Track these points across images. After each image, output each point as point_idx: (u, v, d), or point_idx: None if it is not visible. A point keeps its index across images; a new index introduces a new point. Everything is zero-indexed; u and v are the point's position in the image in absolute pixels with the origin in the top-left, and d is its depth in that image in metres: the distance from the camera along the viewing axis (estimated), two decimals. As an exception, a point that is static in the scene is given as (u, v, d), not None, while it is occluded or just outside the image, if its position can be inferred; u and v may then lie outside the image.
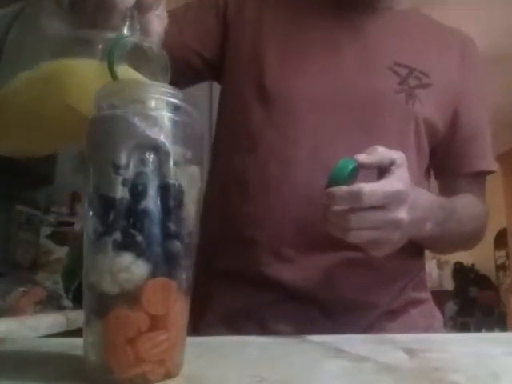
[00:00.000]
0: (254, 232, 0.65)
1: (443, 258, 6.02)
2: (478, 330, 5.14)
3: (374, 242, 0.52)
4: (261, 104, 0.69)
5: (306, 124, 0.66)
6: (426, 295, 0.74)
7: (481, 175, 0.78)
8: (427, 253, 0.78)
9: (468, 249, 0.80)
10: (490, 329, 5.02)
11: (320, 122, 0.66)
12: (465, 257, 6.10)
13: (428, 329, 0.69)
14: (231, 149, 0.72)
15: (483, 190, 0.79)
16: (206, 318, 0.67)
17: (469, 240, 0.76)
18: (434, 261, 5.88)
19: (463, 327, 5.42)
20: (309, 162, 0.65)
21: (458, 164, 0.76)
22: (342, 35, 0.71)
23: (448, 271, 6.07)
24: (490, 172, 0.78)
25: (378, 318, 0.66)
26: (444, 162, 0.77)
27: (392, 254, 0.55)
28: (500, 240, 5.39)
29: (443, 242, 0.71)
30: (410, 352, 0.40)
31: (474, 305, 5.64)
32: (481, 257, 5.98)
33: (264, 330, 0.62)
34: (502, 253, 5.46)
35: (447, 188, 0.77)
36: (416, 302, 0.70)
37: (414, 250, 0.69)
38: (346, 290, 0.63)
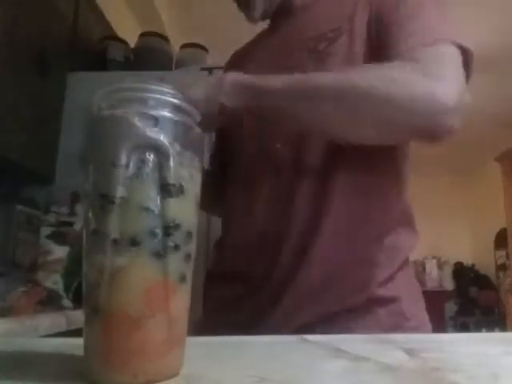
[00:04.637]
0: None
1: (443, 258, 6.02)
2: (477, 329, 5.15)
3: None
4: None
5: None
6: (398, 294, 0.68)
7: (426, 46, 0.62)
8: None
9: (399, 126, 0.60)
10: (490, 329, 5.02)
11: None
12: (465, 257, 6.10)
13: (396, 329, 0.64)
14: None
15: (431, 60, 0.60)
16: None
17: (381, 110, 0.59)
18: (434, 261, 5.88)
19: (463, 327, 5.43)
20: None
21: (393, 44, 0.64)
22: (269, 45, 0.81)
23: (448, 271, 6.07)
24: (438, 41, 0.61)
25: (339, 315, 0.64)
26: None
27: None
28: (500, 240, 5.38)
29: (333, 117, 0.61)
30: (409, 352, 0.40)
31: (474, 305, 5.64)
32: (481, 257, 5.98)
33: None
34: (502, 253, 5.46)
35: None
36: (383, 301, 0.66)
37: (371, 240, 0.67)
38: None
